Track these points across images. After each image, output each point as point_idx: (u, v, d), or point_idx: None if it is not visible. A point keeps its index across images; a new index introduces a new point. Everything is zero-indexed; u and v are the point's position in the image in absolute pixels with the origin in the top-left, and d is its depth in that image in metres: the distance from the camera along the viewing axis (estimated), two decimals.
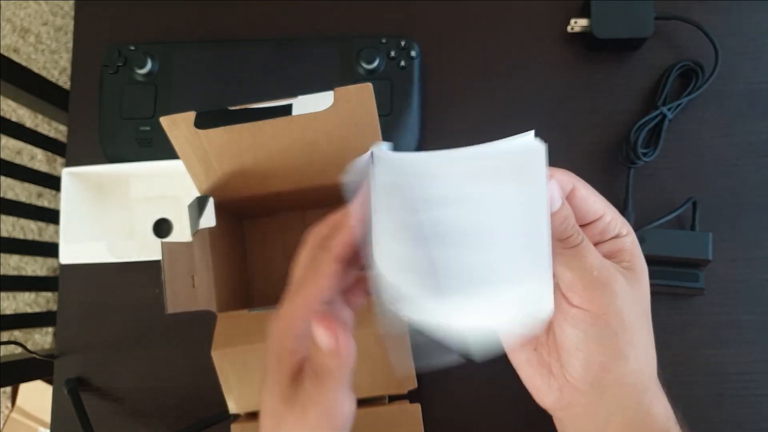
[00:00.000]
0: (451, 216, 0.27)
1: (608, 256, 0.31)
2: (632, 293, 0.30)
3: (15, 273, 1.22)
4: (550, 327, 0.32)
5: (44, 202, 1.22)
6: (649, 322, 0.31)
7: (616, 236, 0.32)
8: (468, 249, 0.27)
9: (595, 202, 0.31)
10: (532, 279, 0.27)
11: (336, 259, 0.30)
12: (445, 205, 0.27)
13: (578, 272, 0.29)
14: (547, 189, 0.27)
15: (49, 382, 0.54)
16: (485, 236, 0.27)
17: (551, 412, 0.33)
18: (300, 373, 0.30)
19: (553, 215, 0.28)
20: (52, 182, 0.80)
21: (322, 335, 0.29)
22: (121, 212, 0.56)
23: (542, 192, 0.27)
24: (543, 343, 0.33)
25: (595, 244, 0.31)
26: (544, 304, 0.28)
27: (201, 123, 0.41)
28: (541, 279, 0.27)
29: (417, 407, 0.48)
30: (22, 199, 1.22)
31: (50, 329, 1.18)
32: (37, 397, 1.10)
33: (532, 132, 0.29)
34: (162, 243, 0.43)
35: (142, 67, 0.53)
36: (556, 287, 0.30)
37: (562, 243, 0.29)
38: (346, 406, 0.30)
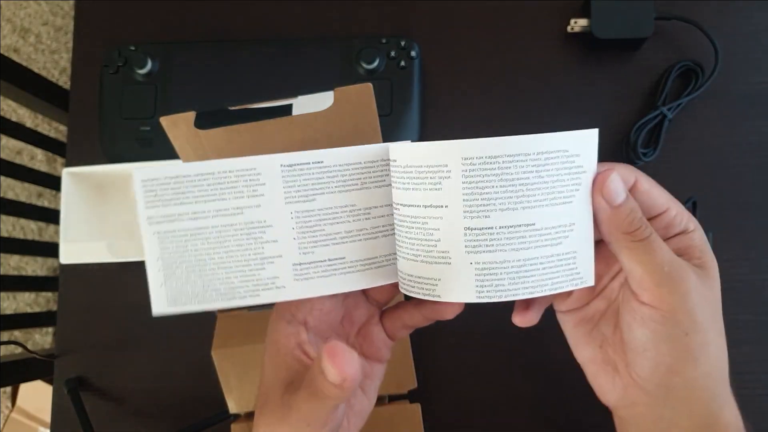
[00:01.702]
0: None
1: (677, 253, 0.30)
2: (704, 292, 0.29)
3: (15, 273, 1.22)
4: (617, 324, 0.31)
5: (44, 202, 1.22)
6: (722, 324, 0.30)
7: (683, 232, 0.31)
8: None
9: (659, 196, 0.30)
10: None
11: None
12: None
13: (648, 267, 0.28)
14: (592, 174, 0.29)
15: (50, 382, 0.54)
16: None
17: (613, 410, 0.33)
18: (294, 381, 0.30)
19: (617, 208, 0.28)
20: (52, 182, 0.80)
21: (330, 370, 0.26)
22: (122, 212, 0.56)
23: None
24: (609, 341, 0.32)
25: (666, 239, 0.30)
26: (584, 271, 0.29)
27: (201, 123, 0.41)
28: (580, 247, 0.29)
29: (417, 407, 0.48)
30: (22, 199, 1.22)
31: (50, 329, 1.18)
32: (37, 397, 1.10)
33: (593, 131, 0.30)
34: None
35: (142, 67, 0.53)
36: (626, 284, 0.30)
37: (630, 236, 0.28)
38: (338, 418, 0.29)
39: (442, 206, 0.29)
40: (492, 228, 0.28)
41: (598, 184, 0.29)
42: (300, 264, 0.31)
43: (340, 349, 0.26)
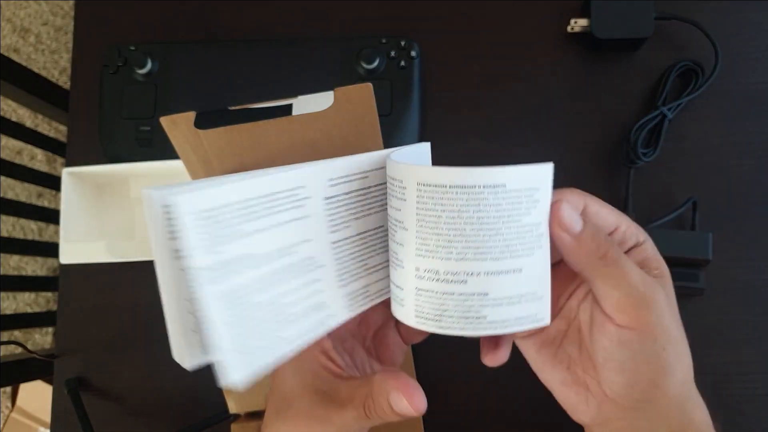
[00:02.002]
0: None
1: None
2: (669, 303, 0.29)
3: (15, 273, 1.22)
4: (581, 343, 0.31)
5: (44, 202, 1.22)
6: (682, 328, 0.30)
7: (636, 245, 0.31)
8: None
9: (608, 215, 0.31)
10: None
11: None
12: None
13: (625, 290, 0.28)
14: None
15: (49, 382, 0.54)
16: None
17: (587, 428, 0.32)
18: (323, 390, 0.31)
19: (579, 236, 0.28)
20: (52, 182, 0.80)
21: (403, 404, 0.28)
22: (121, 212, 0.56)
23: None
24: (576, 361, 0.32)
25: None
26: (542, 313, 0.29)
27: (201, 123, 0.41)
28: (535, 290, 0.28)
29: None
30: (22, 199, 1.22)
31: (50, 329, 1.18)
32: (37, 397, 1.10)
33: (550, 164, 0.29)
34: None
35: (142, 67, 0.53)
36: (594, 307, 0.30)
37: (601, 261, 0.28)
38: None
39: (404, 227, 0.29)
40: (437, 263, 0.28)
41: (553, 217, 0.28)
42: (347, 295, 0.31)
43: (412, 386, 0.28)
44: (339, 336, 0.33)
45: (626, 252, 0.31)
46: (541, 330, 0.32)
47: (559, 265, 0.31)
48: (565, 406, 0.33)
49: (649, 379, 0.29)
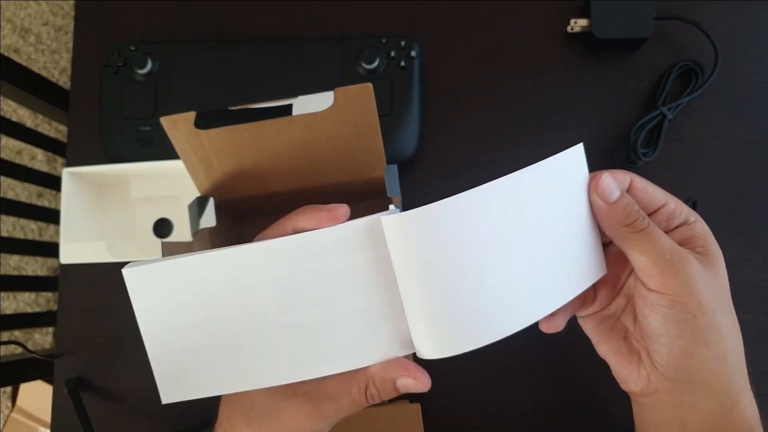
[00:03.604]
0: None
1: (680, 243, 0.31)
2: (709, 277, 0.30)
3: (15, 273, 1.22)
4: (636, 315, 0.33)
5: (44, 202, 1.22)
6: (731, 309, 0.32)
7: (684, 223, 0.33)
8: None
9: (655, 192, 0.33)
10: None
11: None
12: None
13: (651, 256, 0.30)
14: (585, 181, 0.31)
15: (50, 382, 0.54)
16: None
17: (635, 398, 0.34)
18: None
19: (613, 204, 0.30)
20: (53, 182, 0.80)
21: (411, 383, 0.30)
22: (122, 212, 0.56)
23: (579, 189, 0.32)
24: (631, 332, 0.34)
25: (665, 232, 0.32)
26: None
27: (201, 123, 0.41)
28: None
29: (417, 407, 0.48)
30: (23, 199, 1.22)
31: (50, 329, 1.18)
32: (37, 397, 1.10)
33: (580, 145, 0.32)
34: (162, 243, 0.43)
35: (142, 67, 0.53)
36: (634, 273, 0.32)
37: (629, 228, 0.30)
38: None
39: None
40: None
41: (592, 185, 0.31)
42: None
43: (414, 369, 0.30)
44: None
45: (673, 229, 0.32)
46: (602, 308, 0.35)
47: (615, 246, 0.33)
48: (617, 376, 0.34)
49: (682, 345, 0.30)
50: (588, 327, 0.36)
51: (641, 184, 0.32)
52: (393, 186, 0.44)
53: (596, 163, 0.54)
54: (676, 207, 0.33)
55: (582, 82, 0.55)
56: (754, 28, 0.55)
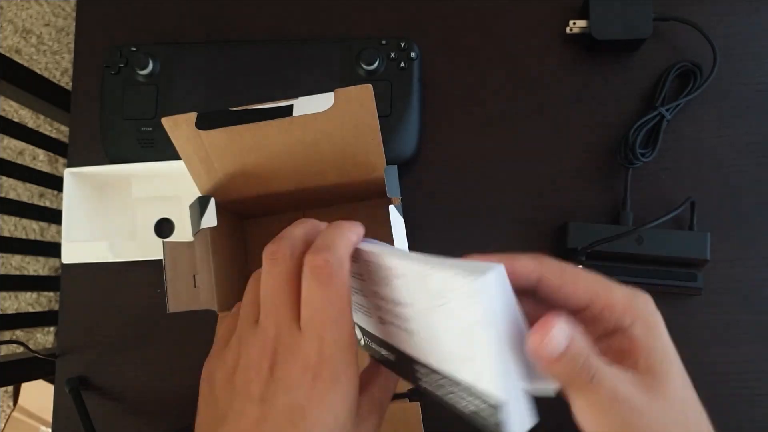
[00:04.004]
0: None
1: (620, 358, 0.26)
2: (656, 407, 0.26)
3: (17, 273, 1.22)
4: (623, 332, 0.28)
5: (46, 203, 1.22)
6: (695, 423, 0.27)
7: (618, 330, 0.27)
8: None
9: (576, 291, 0.26)
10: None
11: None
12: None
13: (589, 401, 0.25)
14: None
15: (51, 381, 0.55)
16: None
17: None
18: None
19: (556, 360, 0.24)
20: (54, 182, 0.80)
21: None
22: (123, 212, 0.56)
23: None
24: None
25: (603, 336, 0.27)
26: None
27: (202, 124, 0.41)
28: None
29: (417, 406, 0.48)
30: (24, 199, 1.22)
31: (52, 329, 1.18)
32: (38, 396, 1.10)
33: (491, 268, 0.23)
34: (163, 243, 0.43)
35: (143, 67, 0.53)
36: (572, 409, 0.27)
37: (576, 380, 0.25)
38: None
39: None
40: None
41: (535, 338, 0.24)
42: None
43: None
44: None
45: (604, 338, 0.27)
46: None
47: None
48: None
49: None
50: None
51: (555, 281, 0.26)
52: (393, 186, 0.44)
53: (595, 163, 0.54)
54: (603, 309, 0.26)
55: (581, 82, 0.55)
56: (752, 28, 0.55)
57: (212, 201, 0.45)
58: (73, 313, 0.55)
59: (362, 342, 0.33)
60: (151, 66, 0.54)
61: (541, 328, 0.24)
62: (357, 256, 0.30)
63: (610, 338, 0.27)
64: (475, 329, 0.23)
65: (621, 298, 0.27)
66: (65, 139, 0.61)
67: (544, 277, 0.26)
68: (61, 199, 0.53)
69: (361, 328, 0.33)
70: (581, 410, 0.26)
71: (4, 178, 0.85)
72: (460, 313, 0.24)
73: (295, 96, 0.42)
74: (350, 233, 0.29)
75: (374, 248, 0.29)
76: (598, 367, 0.25)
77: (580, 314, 0.27)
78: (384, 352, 0.31)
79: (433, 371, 0.27)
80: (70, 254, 0.53)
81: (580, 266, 0.50)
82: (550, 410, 0.29)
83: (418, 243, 0.47)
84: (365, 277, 0.30)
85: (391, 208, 0.44)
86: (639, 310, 0.27)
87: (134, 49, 0.55)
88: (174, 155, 0.43)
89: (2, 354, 0.67)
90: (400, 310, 0.28)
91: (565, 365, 0.24)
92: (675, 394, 0.26)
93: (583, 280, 0.27)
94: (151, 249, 0.53)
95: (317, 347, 0.27)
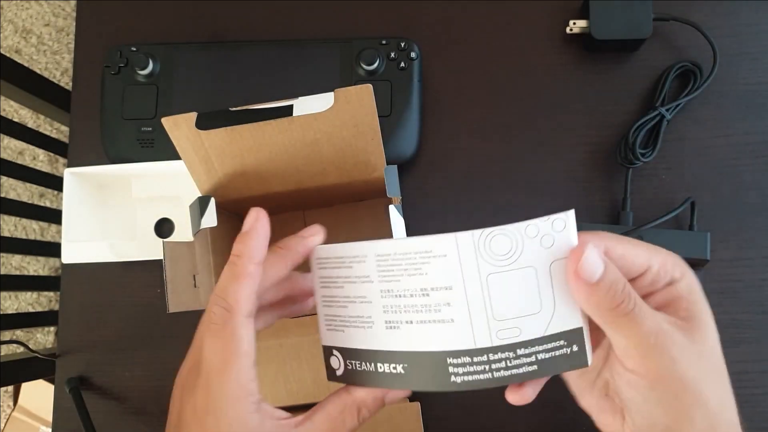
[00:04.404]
0: None
1: (662, 307, 0.29)
2: (694, 350, 0.28)
3: (17, 273, 1.22)
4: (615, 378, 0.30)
5: (46, 203, 1.22)
6: (722, 374, 0.29)
7: (669, 283, 0.29)
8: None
9: (636, 256, 0.29)
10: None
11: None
12: None
13: (634, 340, 0.27)
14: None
15: (51, 381, 0.55)
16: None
17: None
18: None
19: (595, 286, 0.26)
20: (54, 182, 0.80)
21: (400, 394, 0.29)
22: (123, 212, 0.56)
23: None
24: (613, 388, 0.31)
25: (647, 296, 0.29)
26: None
27: (202, 124, 0.41)
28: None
29: (416, 406, 0.48)
30: (24, 199, 1.22)
31: (52, 329, 1.18)
32: (38, 396, 1.10)
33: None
34: (164, 243, 0.43)
35: (143, 67, 0.53)
36: (611, 349, 0.29)
37: (613, 312, 0.27)
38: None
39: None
40: None
41: (571, 263, 0.27)
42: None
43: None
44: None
45: (657, 291, 0.29)
46: None
47: None
48: (601, 429, 0.32)
49: (664, 423, 0.28)
50: (570, 377, 0.33)
51: (618, 250, 0.28)
52: (393, 186, 0.44)
53: (595, 163, 0.54)
54: (660, 268, 0.29)
55: (581, 82, 0.55)
56: (752, 28, 0.55)
57: (212, 201, 0.45)
58: (73, 313, 0.55)
59: (339, 372, 0.32)
60: (151, 66, 0.54)
61: (575, 254, 0.26)
62: (360, 255, 0.29)
63: (654, 295, 0.29)
64: (554, 266, 0.27)
65: (672, 258, 0.30)
66: (65, 139, 0.61)
67: (609, 247, 0.28)
68: (61, 199, 0.53)
69: (343, 351, 0.32)
70: (623, 349, 0.28)
71: (4, 178, 0.85)
72: (540, 256, 0.27)
73: (295, 96, 0.42)
74: (248, 265, 0.31)
75: (393, 240, 0.29)
76: (638, 299, 0.27)
77: (640, 276, 0.29)
78: (386, 367, 0.30)
79: (488, 350, 0.28)
80: (70, 254, 0.53)
81: None
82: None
83: None
84: (373, 277, 0.29)
85: (391, 208, 0.44)
86: (686, 269, 0.30)
87: (134, 49, 0.55)
88: (174, 155, 0.43)
89: (2, 354, 0.67)
90: (435, 298, 0.28)
91: (605, 292, 0.26)
92: (712, 343, 0.29)
93: (641, 246, 0.29)
94: (151, 249, 0.53)
95: (204, 395, 0.30)
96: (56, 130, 1.21)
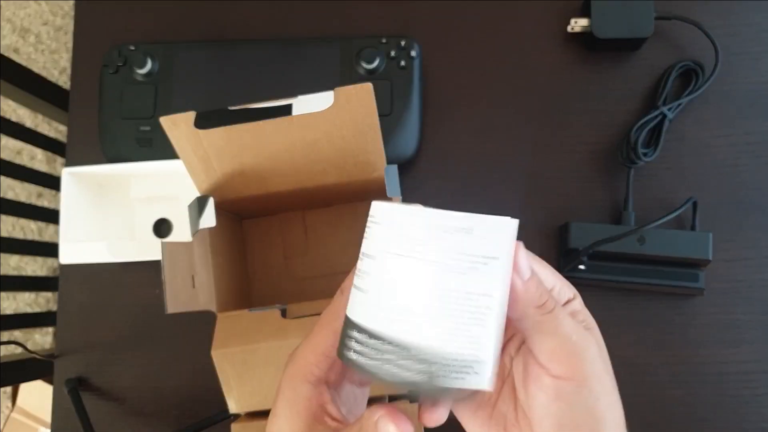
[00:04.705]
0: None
1: None
2: (601, 353, 0.30)
3: (15, 273, 1.22)
4: (516, 400, 0.31)
5: (44, 202, 1.22)
6: (614, 376, 0.31)
7: (567, 301, 0.32)
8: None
9: (545, 275, 0.31)
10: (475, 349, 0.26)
11: None
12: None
13: (559, 339, 0.28)
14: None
15: (50, 381, 0.54)
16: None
17: None
18: (317, 423, 0.30)
19: (527, 283, 0.28)
20: (52, 182, 0.80)
21: (392, 429, 0.27)
22: (121, 212, 0.56)
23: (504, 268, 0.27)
24: (512, 422, 0.31)
25: None
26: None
27: (201, 123, 0.41)
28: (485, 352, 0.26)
29: (416, 407, 0.48)
30: (22, 199, 1.22)
31: (50, 329, 1.18)
32: (37, 396, 1.10)
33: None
34: (162, 243, 0.43)
35: (142, 67, 0.53)
36: (533, 361, 0.29)
37: (539, 309, 0.28)
38: None
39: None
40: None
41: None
42: None
43: (397, 413, 0.27)
44: (334, 381, 0.32)
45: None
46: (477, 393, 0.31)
47: None
48: None
49: (583, 430, 0.28)
50: (463, 417, 0.32)
51: (536, 266, 0.30)
52: (393, 186, 0.44)
53: (597, 163, 0.54)
54: (560, 288, 0.31)
55: (582, 81, 0.55)
56: (754, 28, 0.55)
57: (211, 201, 0.45)
58: (71, 313, 0.55)
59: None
60: (149, 65, 0.53)
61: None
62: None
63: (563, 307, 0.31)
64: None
65: (564, 279, 0.32)
66: (63, 139, 0.61)
67: (530, 261, 0.29)
68: (59, 198, 0.53)
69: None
70: (549, 353, 0.28)
71: (2, 177, 0.85)
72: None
73: (295, 95, 0.42)
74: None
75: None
76: (559, 303, 0.29)
77: (550, 292, 0.31)
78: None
79: (381, 336, 0.27)
80: (69, 254, 0.52)
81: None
82: None
83: None
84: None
85: None
86: (575, 290, 0.32)
87: (133, 48, 0.55)
88: (173, 155, 0.43)
89: (1, 355, 0.67)
90: (362, 265, 0.27)
91: (535, 289, 0.28)
92: (603, 344, 0.31)
93: (547, 266, 0.31)
94: (150, 249, 0.52)
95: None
96: (54, 129, 1.21)
